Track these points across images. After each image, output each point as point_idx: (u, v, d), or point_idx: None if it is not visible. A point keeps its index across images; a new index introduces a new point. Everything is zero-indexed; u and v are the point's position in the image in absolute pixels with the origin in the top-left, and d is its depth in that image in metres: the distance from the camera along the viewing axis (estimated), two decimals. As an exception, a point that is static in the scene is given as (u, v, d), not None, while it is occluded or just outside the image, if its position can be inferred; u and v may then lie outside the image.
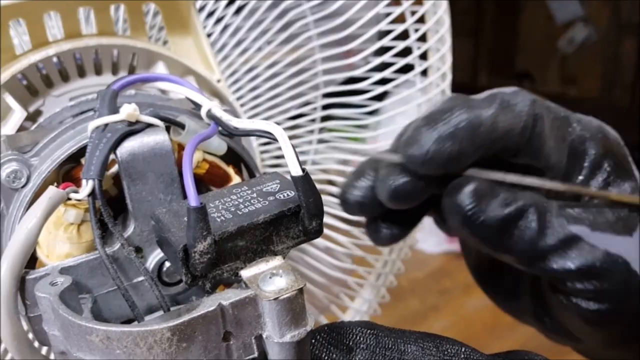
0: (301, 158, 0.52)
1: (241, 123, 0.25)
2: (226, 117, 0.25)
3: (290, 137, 0.50)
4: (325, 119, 0.51)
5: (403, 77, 0.48)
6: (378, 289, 0.54)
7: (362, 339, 0.23)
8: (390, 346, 0.23)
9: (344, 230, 0.51)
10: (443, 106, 0.28)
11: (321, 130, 0.51)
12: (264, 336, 0.22)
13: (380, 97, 0.49)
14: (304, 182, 0.23)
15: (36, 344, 0.27)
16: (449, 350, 0.23)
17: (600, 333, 0.28)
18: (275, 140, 0.23)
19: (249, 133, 0.25)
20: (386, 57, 0.47)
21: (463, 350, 0.23)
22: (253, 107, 0.43)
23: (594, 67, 1.34)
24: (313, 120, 0.49)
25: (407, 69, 0.48)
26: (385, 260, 0.51)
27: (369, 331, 0.23)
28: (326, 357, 0.23)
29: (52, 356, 0.28)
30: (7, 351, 0.38)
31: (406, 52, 0.47)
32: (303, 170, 0.23)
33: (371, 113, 0.50)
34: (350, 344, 0.23)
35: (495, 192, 0.27)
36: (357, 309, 0.53)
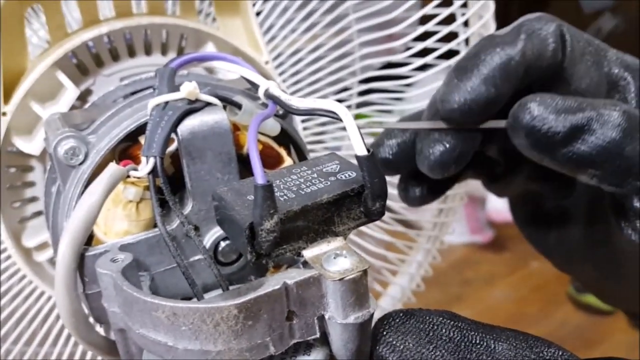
0: (335, 144, 0.52)
1: (301, 102, 0.24)
2: (285, 97, 0.25)
3: (326, 123, 0.50)
4: (360, 105, 0.50)
5: (444, 64, 0.47)
6: (413, 276, 0.53)
7: (444, 330, 0.22)
8: (477, 342, 0.21)
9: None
10: (469, 54, 0.27)
11: (356, 117, 0.50)
12: (326, 317, 0.22)
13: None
14: (369, 162, 0.22)
15: (91, 320, 0.27)
16: (545, 353, 0.21)
17: None
18: (339, 119, 0.23)
19: (310, 112, 0.24)
20: (428, 43, 0.46)
21: (560, 354, 0.21)
22: (293, 93, 0.43)
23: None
24: (349, 107, 0.49)
25: (447, 55, 0.47)
26: (424, 248, 0.51)
27: (451, 322, 0.22)
28: (400, 345, 0.21)
29: (103, 333, 0.29)
30: (10, 352, 0.39)
31: (446, 38, 0.47)
32: (368, 150, 0.22)
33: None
34: (430, 334, 0.22)
35: (566, 99, 0.25)
36: (391, 295, 0.53)
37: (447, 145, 0.28)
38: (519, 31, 0.27)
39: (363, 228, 0.50)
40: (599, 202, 0.30)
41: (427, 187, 0.31)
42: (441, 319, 0.22)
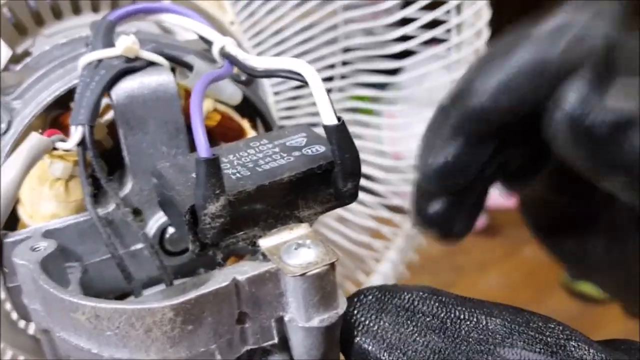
0: (308, 120, 0.48)
1: (261, 62, 0.20)
2: (242, 56, 0.21)
3: (298, 97, 0.46)
4: (345, 76, 0.46)
5: (431, 33, 0.44)
6: (397, 264, 0.50)
7: (425, 306, 0.19)
8: (465, 317, 0.18)
9: (359, 200, 0.47)
10: (500, 46, 0.23)
11: (341, 89, 0.46)
12: (285, 319, 0.18)
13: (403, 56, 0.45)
14: (340, 134, 0.18)
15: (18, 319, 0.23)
16: (543, 329, 0.19)
17: None
18: (304, 82, 0.19)
19: (270, 74, 0.20)
20: (412, 12, 0.42)
21: (561, 329, 0.19)
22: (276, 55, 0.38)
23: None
24: (331, 79, 0.45)
25: (435, 24, 0.43)
26: (407, 234, 0.47)
27: (434, 297, 0.19)
28: (375, 326, 0.18)
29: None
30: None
31: (433, 6, 0.43)
32: (339, 119, 0.18)
33: (392, 73, 0.46)
34: (410, 311, 0.18)
35: (616, 84, 0.21)
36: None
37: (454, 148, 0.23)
38: (564, 33, 0.22)
39: (344, 213, 0.46)
40: (620, 212, 0.26)
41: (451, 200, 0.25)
42: (421, 293, 0.19)
